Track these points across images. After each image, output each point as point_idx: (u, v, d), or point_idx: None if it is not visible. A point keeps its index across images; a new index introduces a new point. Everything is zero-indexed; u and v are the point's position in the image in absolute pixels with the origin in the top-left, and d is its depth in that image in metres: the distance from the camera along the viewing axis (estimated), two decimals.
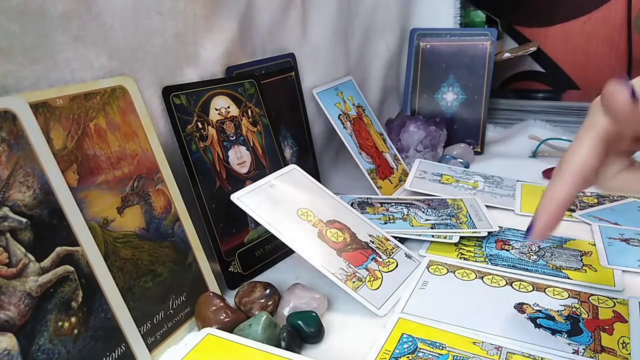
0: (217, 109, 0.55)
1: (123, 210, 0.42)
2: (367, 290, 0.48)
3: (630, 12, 1.09)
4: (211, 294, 0.46)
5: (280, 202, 0.51)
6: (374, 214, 0.63)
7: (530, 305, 0.46)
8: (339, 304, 0.49)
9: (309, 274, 0.50)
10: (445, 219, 0.62)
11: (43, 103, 0.38)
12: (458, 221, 0.61)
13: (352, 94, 0.81)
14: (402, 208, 0.65)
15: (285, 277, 0.53)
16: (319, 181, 0.59)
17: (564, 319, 0.44)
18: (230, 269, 0.53)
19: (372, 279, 0.49)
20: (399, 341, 0.42)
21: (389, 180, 0.76)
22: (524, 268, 0.53)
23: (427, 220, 0.62)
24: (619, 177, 0.34)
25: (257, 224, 0.52)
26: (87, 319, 0.37)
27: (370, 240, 0.54)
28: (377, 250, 0.53)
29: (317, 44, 0.75)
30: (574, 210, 0.66)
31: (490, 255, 0.56)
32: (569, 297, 0.47)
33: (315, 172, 0.74)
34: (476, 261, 0.54)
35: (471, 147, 0.90)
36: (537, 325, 0.43)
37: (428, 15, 0.97)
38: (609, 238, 0.58)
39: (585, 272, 0.52)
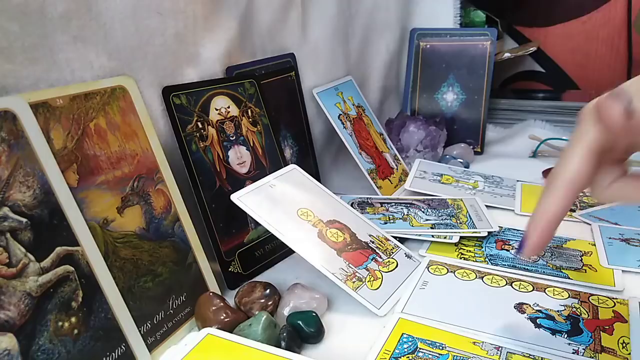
0: (217, 109, 0.55)
1: (123, 210, 0.42)
2: (367, 290, 0.48)
3: (630, 12, 1.09)
4: (211, 294, 0.46)
5: (280, 202, 0.51)
6: (374, 214, 0.63)
7: (530, 305, 0.46)
8: (339, 304, 0.49)
9: (309, 274, 0.50)
10: (445, 219, 0.62)
11: (43, 103, 0.38)
12: (458, 221, 0.61)
13: (352, 94, 0.81)
14: (402, 208, 0.65)
15: (285, 277, 0.53)
16: (319, 181, 0.59)
17: (564, 319, 0.44)
18: (230, 269, 0.53)
19: (372, 279, 0.49)
20: (399, 341, 0.42)
21: (389, 180, 0.76)
22: (524, 268, 0.53)
23: (427, 220, 0.62)
24: (613, 187, 0.33)
25: (257, 224, 0.52)
26: (87, 319, 0.37)
27: (370, 240, 0.54)
28: (377, 250, 0.53)
29: (317, 44, 0.75)
30: (574, 210, 0.66)
31: (490, 255, 0.56)
32: (569, 297, 0.47)
33: (315, 172, 0.74)
34: (476, 261, 0.54)
35: (471, 147, 0.90)
36: (537, 325, 0.43)
37: (428, 15, 0.97)
38: (609, 238, 0.58)
39: (585, 272, 0.52)
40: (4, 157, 0.34)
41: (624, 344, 0.41)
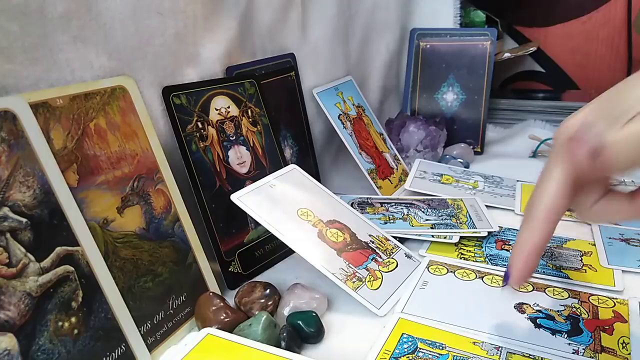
0: (217, 109, 0.55)
1: (123, 210, 0.42)
2: (367, 290, 0.48)
3: (630, 12, 1.09)
4: (211, 294, 0.46)
5: (280, 202, 0.51)
6: (374, 214, 0.63)
7: (530, 305, 0.46)
8: (339, 304, 0.49)
9: (309, 274, 0.50)
10: (445, 219, 0.62)
11: (43, 103, 0.38)
12: (458, 221, 0.61)
13: (352, 94, 0.81)
14: (402, 208, 0.65)
15: (285, 277, 0.53)
16: (319, 181, 0.59)
17: (564, 319, 0.44)
18: (230, 269, 0.53)
19: (372, 279, 0.49)
20: (399, 341, 0.42)
21: (389, 180, 0.76)
22: None
23: (427, 220, 0.62)
24: (596, 208, 0.33)
25: (257, 224, 0.52)
26: (87, 319, 0.37)
27: (370, 240, 0.54)
28: (377, 250, 0.53)
29: (317, 44, 0.75)
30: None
31: (490, 255, 0.56)
32: (569, 297, 0.47)
33: (315, 172, 0.74)
34: (476, 261, 0.54)
35: (471, 147, 0.90)
36: (537, 325, 0.43)
37: (428, 15, 0.97)
38: (609, 238, 0.58)
39: (585, 272, 0.52)
40: (4, 157, 0.34)
41: (624, 344, 0.41)
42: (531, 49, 1.09)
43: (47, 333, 0.34)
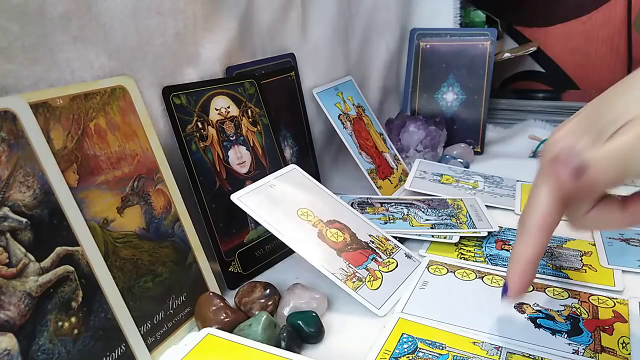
0: (217, 109, 0.55)
1: (123, 210, 0.42)
2: (367, 290, 0.48)
3: (630, 12, 1.09)
4: (211, 294, 0.46)
5: (280, 202, 0.51)
6: (374, 214, 0.63)
7: (530, 305, 0.46)
8: (339, 304, 0.49)
9: (309, 274, 0.50)
10: (445, 219, 0.62)
11: (43, 103, 0.38)
12: (458, 221, 0.61)
13: (352, 94, 0.81)
14: (402, 208, 0.65)
15: (285, 277, 0.53)
16: (319, 181, 0.59)
17: (564, 319, 0.44)
18: (230, 269, 0.53)
19: (372, 279, 0.49)
20: (399, 341, 0.42)
21: (389, 180, 0.76)
22: None
23: (427, 220, 0.62)
24: (588, 217, 0.33)
25: (257, 224, 0.52)
26: (87, 319, 0.37)
27: (370, 240, 0.54)
28: (377, 250, 0.53)
29: (317, 44, 0.75)
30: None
31: (490, 255, 0.56)
32: (569, 297, 0.47)
33: (315, 172, 0.74)
34: (476, 261, 0.54)
35: (471, 147, 0.90)
36: (537, 325, 0.43)
37: (428, 15, 0.97)
38: (609, 238, 0.58)
39: (585, 272, 0.52)
40: (4, 157, 0.34)
41: (624, 344, 0.41)
42: (531, 49, 1.09)
43: (47, 333, 0.34)
